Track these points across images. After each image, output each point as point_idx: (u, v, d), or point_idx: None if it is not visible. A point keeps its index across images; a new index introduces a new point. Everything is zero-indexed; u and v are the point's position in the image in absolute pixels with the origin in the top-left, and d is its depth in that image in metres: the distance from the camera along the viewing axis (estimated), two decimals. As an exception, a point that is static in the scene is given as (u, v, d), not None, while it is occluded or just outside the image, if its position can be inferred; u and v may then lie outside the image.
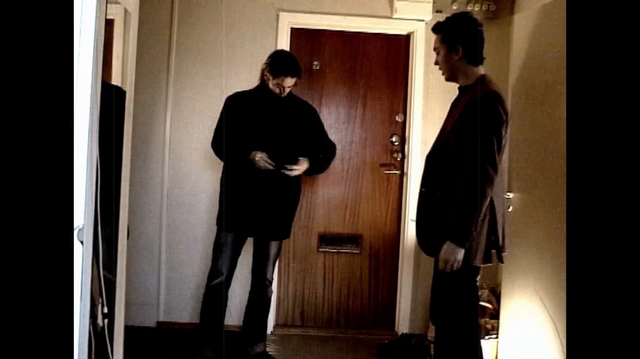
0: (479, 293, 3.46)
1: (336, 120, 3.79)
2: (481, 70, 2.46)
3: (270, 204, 2.98)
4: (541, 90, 2.76)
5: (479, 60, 2.45)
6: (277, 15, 3.65)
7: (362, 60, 3.78)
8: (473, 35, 2.42)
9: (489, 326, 3.24)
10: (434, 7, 3.55)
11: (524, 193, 2.91)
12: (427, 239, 2.47)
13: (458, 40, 2.41)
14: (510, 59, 3.61)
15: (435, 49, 2.50)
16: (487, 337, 3.16)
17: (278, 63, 2.95)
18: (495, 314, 3.27)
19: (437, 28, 2.49)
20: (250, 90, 3.08)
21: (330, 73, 3.78)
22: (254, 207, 2.96)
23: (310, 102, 3.75)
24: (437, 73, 3.40)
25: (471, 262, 2.31)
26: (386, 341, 3.40)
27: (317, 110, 3.72)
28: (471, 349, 2.42)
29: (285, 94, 2.99)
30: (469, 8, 3.61)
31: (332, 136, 3.77)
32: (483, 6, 3.63)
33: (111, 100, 2.50)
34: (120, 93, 2.37)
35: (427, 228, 2.45)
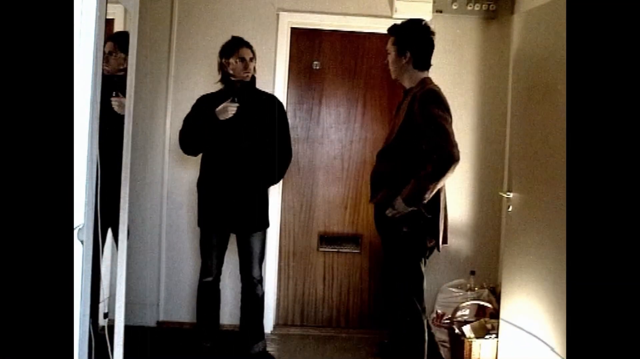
0: (479, 293, 3.48)
1: (336, 120, 3.79)
2: (425, 74, 2.68)
3: (240, 196, 2.97)
4: (541, 90, 2.76)
5: (425, 66, 2.67)
6: (277, 15, 3.65)
7: (362, 60, 3.78)
8: (423, 42, 2.64)
9: (489, 326, 3.24)
10: (434, 7, 3.55)
11: (524, 193, 2.91)
12: (382, 216, 2.71)
13: (407, 46, 2.62)
14: (510, 59, 3.61)
15: (387, 50, 2.70)
16: (487, 337, 3.16)
17: (230, 42, 3.02)
18: (495, 314, 3.27)
19: (391, 30, 2.69)
20: (219, 90, 3.07)
21: (330, 73, 3.78)
22: (224, 202, 2.96)
23: (310, 102, 3.77)
24: (437, 74, 3.42)
25: (421, 233, 2.61)
26: (386, 341, 3.40)
27: (313, 109, 3.72)
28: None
29: (247, 73, 2.98)
30: (468, 8, 3.62)
31: (332, 136, 3.79)
32: (483, 6, 3.63)
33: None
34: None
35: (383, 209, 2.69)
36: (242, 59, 2.97)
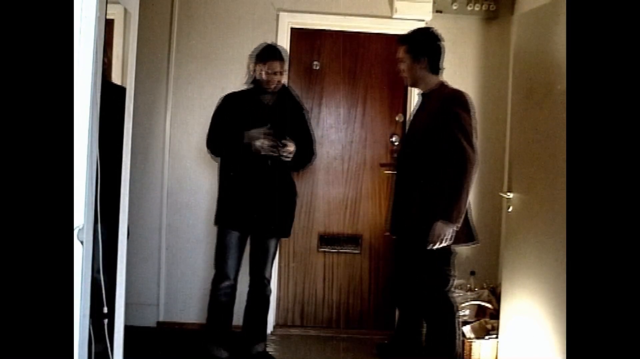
0: (479, 294, 3.48)
1: (336, 120, 3.79)
2: (440, 78, 2.80)
3: (270, 199, 2.96)
4: (541, 90, 2.76)
5: (439, 70, 2.79)
6: (277, 15, 3.65)
7: (362, 60, 3.78)
8: (436, 48, 2.77)
9: (489, 326, 3.24)
10: (434, 7, 3.55)
11: (524, 193, 2.91)
12: (401, 221, 2.80)
13: (423, 52, 2.74)
14: (510, 59, 3.61)
15: (400, 58, 2.78)
16: (487, 337, 3.16)
17: (263, 51, 2.97)
18: (495, 314, 3.27)
19: (403, 39, 2.80)
20: (244, 90, 3.06)
21: (330, 73, 3.78)
22: (254, 203, 2.94)
23: (310, 102, 3.77)
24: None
25: (455, 242, 2.64)
26: (386, 341, 3.40)
27: (313, 109, 3.73)
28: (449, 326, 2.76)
29: (275, 85, 2.95)
30: (468, 8, 3.62)
31: (332, 136, 3.79)
32: (483, 6, 3.63)
33: (112, 100, 2.49)
34: (120, 92, 2.36)
35: (403, 212, 2.78)
36: (271, 72, 2.92)
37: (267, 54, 2.94)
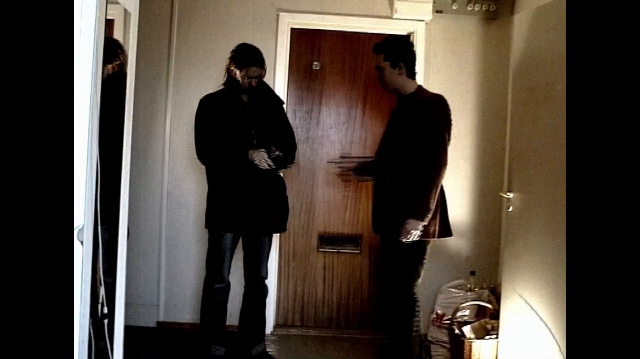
0: (479, 294, 3.48)
1: (336, 120, 3.79)
2: (417, 82, 2.93)
3: (259, 198, 2.96)
4: (541, 90, 2.76)
5: (414, 75, 2.92)
6: (277, 15, 3.65)
7: (362, 60, 3.78)
8: (411, 54, 2.90)
9: (489, 326, 3.24)
10: (434, 7, 3.55)
11: (524, 193, 2.91)
12: (380, 219, 2.93)
13: (400, 58, 2.84)
14: (510, 59, 3.61)
15: (377, 67, 2.89)
16: (487, 337, 3.16)
17: (242, 55, 2.93)
18: (495, 314, 3.27)
19: (379, 49, 2.89)
20: (220, 89, 3.04)
21: (330, 73, 3.78)
22: (244, 203, 2.94)
23: (310, 102, 3.77)
24: (437, 73, 3.42)
25: (426, 237, 2.78)
26: (386, 342, 3.40)
27: (313, 109, 3.73)
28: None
29: (255, 85, 2.95)
30: (468, 8, 3.62)
31: (332, 136, 3.79)
32: (483, 6, 3.63)
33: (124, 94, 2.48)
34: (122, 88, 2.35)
35: (381, 211, 2.92)
36: (249, 77, 2.92)
37: (248, 59, 2.91)
